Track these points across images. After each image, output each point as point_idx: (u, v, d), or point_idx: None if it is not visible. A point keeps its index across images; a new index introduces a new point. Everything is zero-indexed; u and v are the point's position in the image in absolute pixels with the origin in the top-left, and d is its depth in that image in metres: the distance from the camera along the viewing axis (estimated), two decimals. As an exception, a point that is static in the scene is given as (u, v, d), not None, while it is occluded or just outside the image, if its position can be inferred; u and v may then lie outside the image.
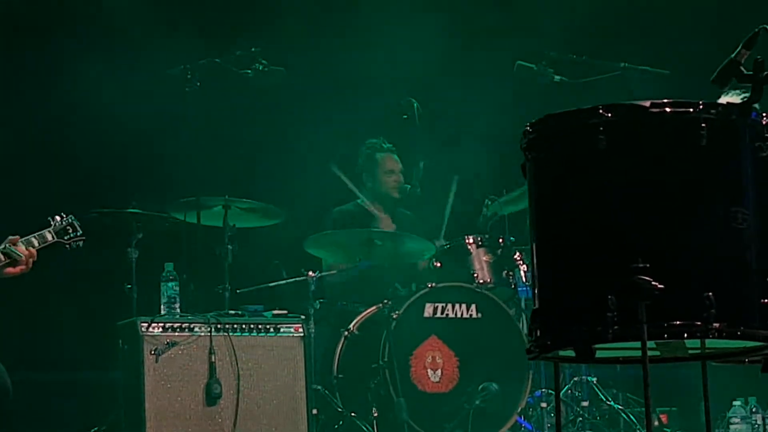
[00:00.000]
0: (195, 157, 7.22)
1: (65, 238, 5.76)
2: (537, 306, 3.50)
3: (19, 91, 7.80)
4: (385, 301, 6.94)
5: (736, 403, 7.24)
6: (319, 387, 6.76)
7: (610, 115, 3.37)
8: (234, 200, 6.86)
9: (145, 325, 6.30)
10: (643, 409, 3.45)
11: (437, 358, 6.84)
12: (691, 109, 3.36)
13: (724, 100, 3.49)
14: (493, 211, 7.56)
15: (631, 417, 7.09)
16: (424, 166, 7.27)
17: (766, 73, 3.40)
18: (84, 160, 7.90)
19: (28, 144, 7.87)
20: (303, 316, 6.70)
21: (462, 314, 6.95)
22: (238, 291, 6.85)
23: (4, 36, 7.91)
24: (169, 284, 6.52)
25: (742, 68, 3.45)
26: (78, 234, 5.81)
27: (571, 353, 3.49)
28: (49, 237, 5.65)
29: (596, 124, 3.37)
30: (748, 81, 3.41)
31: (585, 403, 7.25)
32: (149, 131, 7.82)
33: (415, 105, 7.16)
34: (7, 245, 5.38)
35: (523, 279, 7.28)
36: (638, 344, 3.27)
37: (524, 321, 7.05)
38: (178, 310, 6.49)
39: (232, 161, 8.05)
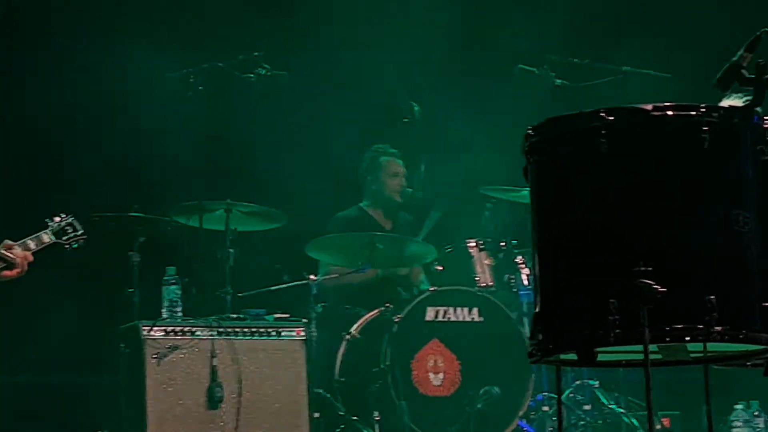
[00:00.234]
0: (197, 161, 7.22)
1: (64, 238, 5.76)
2: (539, 309, 3.50)
3: (20, 92, 7.79)
4: (387, 304, 6.94)
5: (738, 406, 7.24)
6: (321, 390, 6.75)
7: (611, 118, 3.38)
8: (236, 204, 6.86)
9: (147, 328, 6.30)
10: (645, 412, 3.44)
11: (439, 361, 6.84)
12: (693, 113, 3.37)
13: (726, 103, 3.49)
14: (494, 214, 7.54)
15: (633, 421, 7.08)
16: (425, 169, 7.27)
17: (767, 76, 3.40)
18: (86, 164, 7.89)
19: (29, 146, 7.86)
20: (305, 320, 6.70)
21: (464, 318, 6.95)
22: (239, 294, 6.84)
23: (5, 36, 7.90)
24: (171, 288, 6.52)
25: (744, 71, 3.45)
26: (78, 233, 5.81)
27: (572, 357, 3.49)
28: (46, 238, 5.65)
29: (598, 128, 3.38)
30: (750, 84, 3.41)
31: (587, 407, 7.24)
32: (151, 135, 7.82)
33: (416, 108, 7.17)
34: (1, 249, 5.39)
35: (525, 282, 7.28)
36: (640, 348, 3.27)
37: (526, 324, 7.05)
38: (180, 314, 6.49)
39: (234, 165, 8.05)
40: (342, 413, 6.75)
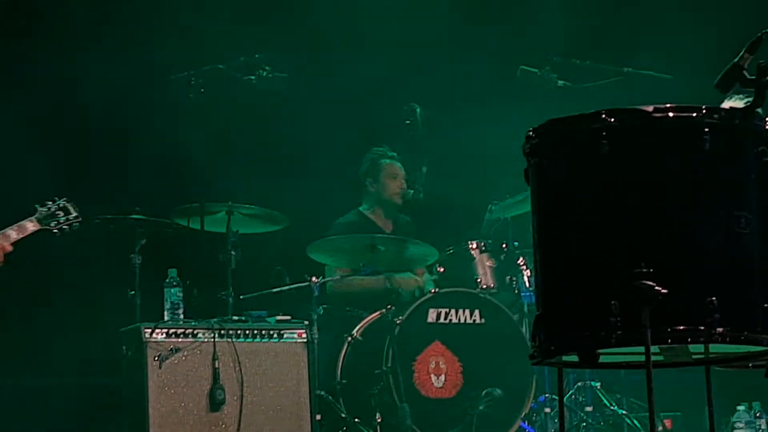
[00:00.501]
0: (198, 163, 7.23)
1: (52, 224, 5.69)
2: (540, 311, 3.50)
3: (21, 92, 7.79)
4: (389, 306, 6.94)
5: (740, 407, 7.24)
6: (323, 392, 6.76)
7: (612, 120, 3.37)
8: (237, 206, 6.86)
9: (149, 331, 6.30)
10: (647, 414, 3.44)
11: (441, 363, 6.84)
12: (694, 114, 3.36)
13: (727, 104, 3.49)
14: (496, 216, 7.57)
15: (635, 422, 7.08)
16: (426, 171, 7.27)
17: (768, 78, 3.41)
18: (87, 166, 7.89)
19: (30, 149, 7.86)
20: (306, 322, 6.70)
21: (465, 319, 6.95)
22: (241, 297, 6.84)
23: (8, 35, 7.91)
24: (173, 290, 6.52)
25: (745, 73, 3.45)
26: (72, 216, 5.75)
27: (574, 358, 3.49)
28: (30, 226, 5.60)
29: (599, 129, 3.37)
30: (751, 85, 3.41)
31: (589, 409, 7.25)
32: (152, 137, 7.82)
33: (418, 110, 7.17)
34: None
35: (527, 284, 7.28)
36: (642, 349, 3.27)
37: (527, 326, 7.04)
38: (182, 316, 6.49)
39: (236, 167, 8.05)
40: (344, 415, 6.75)
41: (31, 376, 7.73)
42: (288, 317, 6.70)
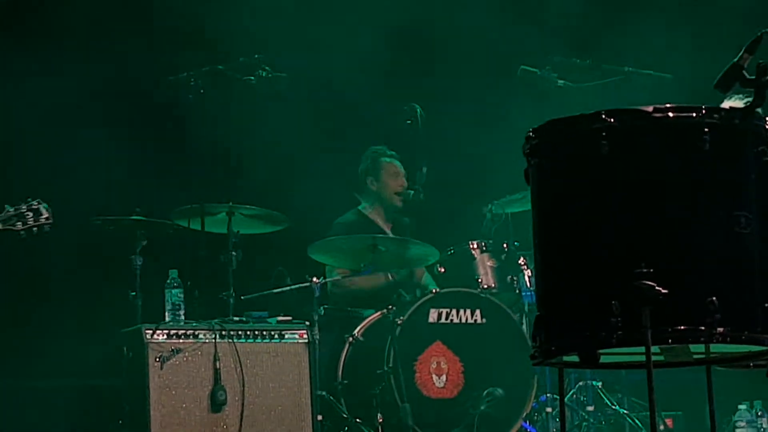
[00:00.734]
0: (198, 164, 7.22)
1: (18, 224, 5.64)
2: (540, 311, 3.50)
3: (22, 93, 7.80)
4: (390, 306, 6.94)
5: (742, 406, 7.24)
6: (324, 393, 6.75)
7: (612, 120, 3.38)
8: (238, 207, 6.86)
9: (150, 332, 6.30)
10: (649, 413, 3.44)
11: (442, 363, 6.84)
12: (694, 114, 3.37)
13: (726, 104, 3.49)
14: (497, 212, 7.54)
15: (637, 421, 7.08)
16: (427, 171, 7.27)
17: (768, 77, 3.41)
18: (90, 168, 7.89)
19: (32, 150, 7.87)
20: (307, 323, 6.70)
21: (466, 319, 6.95)
22: (242, 297, 6.84)
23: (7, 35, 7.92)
24: (174, 291, 6.52)
25: (745, 73, 3.45)
26: (43, 217, 5.71)
27: (575, 358, 3.49)
28: None
29: (599, 129, 3.38)
30: (751, 85, 3.41)
31: (590, 408, 7.25)
32: (153, 138, 7.82)
33: (418, 110, 7.17)
34: None
35: (528, 284, 7.28)
36: (642, 349, 3.27)
37: (528, 326, 7.04)
38: (183, 317, 6.49)
39: (236, 168, 8.05)
40: (345, 415, 6.75)
41: (32, 378, 7.73)
42: (289, 318, 6.71)
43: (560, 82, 7.46)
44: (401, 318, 6.79)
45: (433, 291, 7.00)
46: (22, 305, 7.77)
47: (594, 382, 7.29)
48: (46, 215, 5.71)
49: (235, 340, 6.41)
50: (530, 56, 7.67)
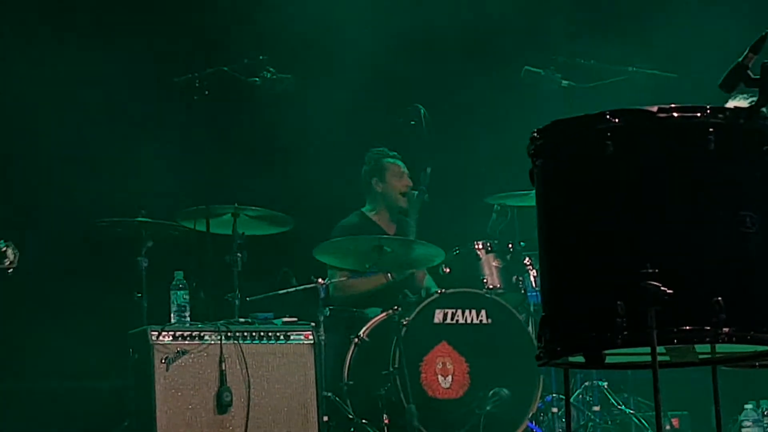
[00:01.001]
0: (204, 166, 7.22)
1: None
2: (546, 312, 3.50)
3: (19, 91, 7.81)
4: (395, 307, 6.94)
5: (748, 406, 7.23)
6: (330, 394, 6.75)
7: (617, 120, 3.38)
8: (243, 208, 6.86)
9: (156, 333, 6.31)
10: (655, 413, 3.44)
11: (448, 364, 6.84)
12: (699, 114, 3.37)
13: (731, 104, 3.49)
14: (501, 207, 7.53)
15: (643, 421, 7.08)
16: (431, 172, 7.28)
17: (772, 77, 3.40)
18: (92, 169, 7.90)
19: (35, 151, 7.88)
20: (313, 324, 6.70)
21: (472, 320, 6.95)
22: (248, 299, 6.84)
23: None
24: (179, 293, 6.52)
25: (750, 72, 3.45)
26: (5, 260, 5.67)
27: (580, 359, 3.49)
28: None
29: (603, 130, 3.38)
30: (756, 85, 3.41)
31: (596, 408, 7.24)
32: (158, 139, 7.83)
33: (422, 111, 7.16)
34: None
35: (533, 284, 7.28)
36: (648, 349, 3.27)
37: (534, 326, 7.04)
38: (188, 319, 6.49)
39: (241, 169, 8.05)
40: (351, 416, 6.75)
41: (38, 379, 7.74)
42: (294, 319, 6.71)
43: (564, 82, 7.46)
44: (407, 319, 6.79)
45: (439, 291, 6.99)
46: (28, 307, 7.78)
47: (600, 383, 7.28)
48: (10, 260, 5.68)
49: (240, 342, 6.41)
50: (534, 56, 7.67)
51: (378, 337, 6.96)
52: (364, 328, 7.05)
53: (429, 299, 6.92)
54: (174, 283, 6.54)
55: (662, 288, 3.23)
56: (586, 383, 7.31)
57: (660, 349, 3.34)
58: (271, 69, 7.13)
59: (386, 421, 6.69)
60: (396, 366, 6.69)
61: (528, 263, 7.34)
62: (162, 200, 7.33)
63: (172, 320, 6.47)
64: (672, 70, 7.58)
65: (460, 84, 8.83)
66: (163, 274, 6.68)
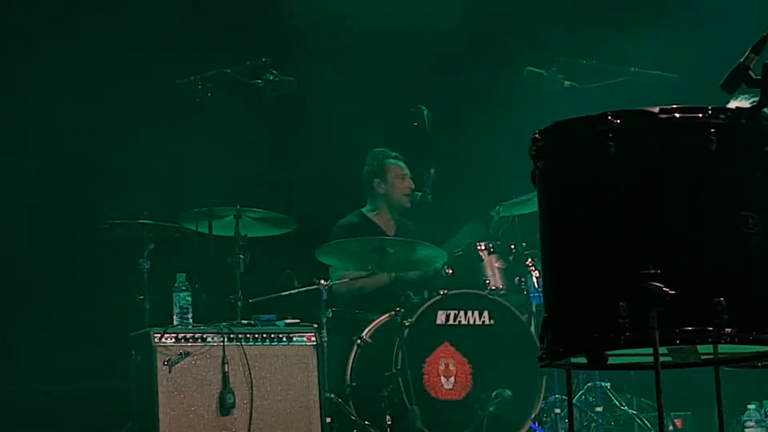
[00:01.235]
0: (206, 167, 7.23)
1: None
2: (548, 313, 3.50)
3: (23, 94, 7.81)
4: (398, 309, 6.94)
5: (751, 406, 7.22)
6: (333, 395, 6.76)
7: (618, 121, 3.37)
8: (245, 210, 6.86)
9: (158, 335, 6.31)
10: (657, 413, 3.44)
11: (450, 365, 6.83)
12: (700, 115, 3.36)
13: (733, 105, 3.49)
14: (504, 214, 7.55)
15: (646, 422, 7.08)
16: (434, 173, 7.28)
17: (774, 77, 3.40)
18: (95, 171, 7.91)
19: (37, 152, 7.88)
20: (315, 325, 6.70)
21: (474, 321, 6.95)
22: (250, 300, 6.84)
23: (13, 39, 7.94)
24: (182, 294, 6.52)
25: (751, 73, 3.45)
26: None
27: (583, 360, 3.49)
28: None
29: (605, 131, 3.37)
30: (757, 86, 3.41)
31: (599, 409, 7.24)
32: (160, 141, 7.83)
33: (425, 112, 7.17)
34: None
35: (536, 285, 7.27)
36: (650, 350, 3.27)
37: (537, 327, 7.03)
38: (191, 321, 6.50)
39: (243, 171, 8.05)
40: (354, 418, 6.75)
41: (40, 381, 7.74)
42: (297, 320, 6.71)
43: (566, 83, 7.46)
44: (409, 320, 6.79)
45: (441, 293, 6.99)
46: (30, 308, 7.78)
47: (602, 383, 7.28)
48: None
49: (243, 343, 6.41)
50: (536, 57, 7.67)
51: (381, 339, 6.96)
52: (366, 330, 7.05)
53: (431, 300, 6.92)
54: (176, 285, 6.55)
55: (664, 289, 3.23)
56: (589, 384, 7.31)
57: (662, 349, 3.34)
58: (274, 71, 7.13)
59: (389, 423, 6.69)
60: (399, 367, 6.69)
61: (530, 264, 7.33)
62: (164, 202, 7.34)
63: (175, 322, 6.48)
64: (673, 70, 7.57)
65: (462, 84, 8.83)
66: (165, 276, 6.69)
